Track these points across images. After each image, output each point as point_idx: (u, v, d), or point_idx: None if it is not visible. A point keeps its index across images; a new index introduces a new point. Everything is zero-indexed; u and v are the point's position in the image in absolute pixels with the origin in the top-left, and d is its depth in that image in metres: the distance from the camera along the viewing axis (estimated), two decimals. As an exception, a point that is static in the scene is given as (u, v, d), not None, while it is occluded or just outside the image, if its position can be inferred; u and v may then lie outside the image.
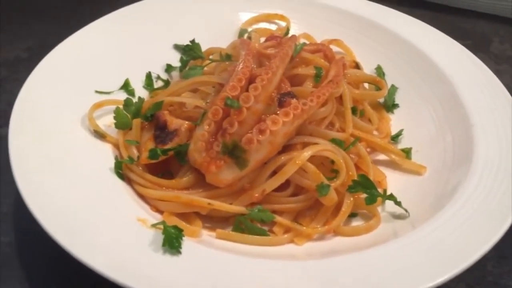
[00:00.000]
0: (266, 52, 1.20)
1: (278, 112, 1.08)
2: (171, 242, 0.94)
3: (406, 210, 1.09)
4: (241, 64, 1.13)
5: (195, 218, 1.08)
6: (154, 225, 0.99)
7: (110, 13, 1.48)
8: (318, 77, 1.21)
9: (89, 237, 0.94)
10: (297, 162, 1.06)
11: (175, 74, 1.45)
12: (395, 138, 1.30)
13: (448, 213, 1.02)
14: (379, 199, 1.10)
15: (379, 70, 1.44)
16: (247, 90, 1.09)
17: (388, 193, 1.13)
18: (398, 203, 1.09)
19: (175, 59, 1.46)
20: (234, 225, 1.07)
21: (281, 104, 1.09)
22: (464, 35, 1.78)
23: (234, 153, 1.04)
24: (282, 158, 1.08)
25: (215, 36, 1.50)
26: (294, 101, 1.09)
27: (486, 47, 1.77)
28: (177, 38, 1.49)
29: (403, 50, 1.47)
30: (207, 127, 1.07)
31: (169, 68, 1.44)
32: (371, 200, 1.08)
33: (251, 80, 1.12)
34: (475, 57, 1.37)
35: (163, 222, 0.99)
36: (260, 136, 1.04)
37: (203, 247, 0.98)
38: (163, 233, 0.95)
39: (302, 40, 1.49)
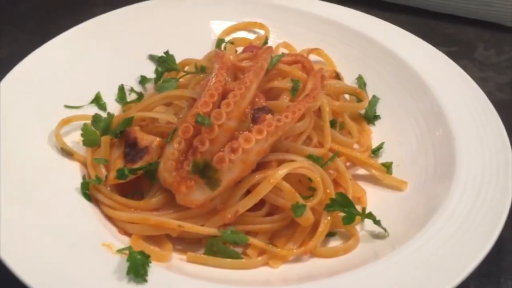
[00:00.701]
0: (240, 65, 1.15)
1: (252, 128, 1.03)
2: (137, 269, 0.89)
3: (385, 230, 1.05)
4: (213, 78, 1.08)
5: (165, 240, 1.03)
6: (119, 251, 0.94)
7: (82, 23, 1.43)
8: (295, 91, 1.16)
9: (49, 266, 0.89)
10: (271, 181, 1.01)
11: (150, 86, 1.40)
12: (376, 151, 1.25)
13: (430, 232, 0.98)
14: (358, 217, 1.05)
15: (360, 80, 1.40)
16: (219, 106, 1.04)
17: (368, 209, 1.08)
18: (377, 222, 1.05)
19: (149, 70, 1.41)
20: (206, 248, 1.02)
21: (255, 120, 1.05)
22: (448, 42, 1.74)
23: (205, 172, 1.00)
24: (256, 176, 1.03)
25: (191, 46, 1.45)
26: (268, 116, 1.04)
27: (471, 53, 1.74)
28: (152, 48, 1.44)
29: (385, 59, 1.43)
30: (177, 145, 1.02)
31: (143, 80, 1.39)
32: (349, 219, 1.03)
33: (224, 95, 1.07)
34: (458, 67, 1.34)
35: (129, 248, 0.94)
36: (232, 154, 0.99)
37: (171, 274, 0.93)
38: (128, 260, 0.90)
39: (281, 50, 1.45)
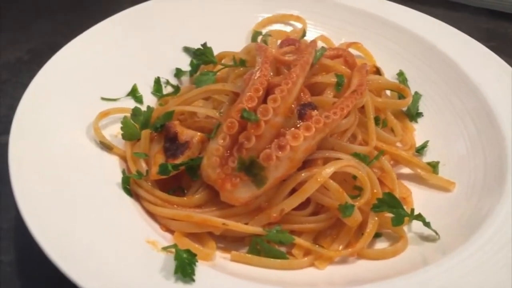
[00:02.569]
0: (284, 59, 1.12)
1: (298, 125, 1.00)
2: (184, 269, 0.87)
3: (436, 232, 1.01)
4: (258, 72, 1.05)
5: (208, 238, 1.01)
6: (165, 249, 0.92)
7: (117, 14, 1.41)
8: (339, 86, 1.12)
9: (94, 263, 0.87)
10: (318, 179, 0.98)
11: (185, 78, 1.38)
12: (420, 150, 1.22)
13: (482, 239, 0.94)
14: (406, 219, 1.02)
15: (402, 76, 1.36)
16: (264, 101, 1.01)
17: (415, 210, 1.05)
18: (427, 224, 1.02)
19: (184, 62, 1.39)
20: (250, 247, 1.00)
21: (301, 117, 1.02)
22: (486, 36, 1.69)
23: (251, 170, 0.97)
24: (303, 175, 1.00)
25: (225, 38, 1.42)
26: (315, 113, 1.01)
27: (510, 49, 1.68)
28: (186, 40, 1.41)
29: (426, 54, 1.39)
30: (222, 141, 0.99)
31: (178, 73, 1.36)
32: (398, 221, 1.00)
33: (268, 90, 1.04)
34: (506, 65, 1.29)
35: (174, 246, 0.91)
36: (280, 152, 0.96)
37: (217, 274, 0.91)
38: (175, 259, 0.88)
39: (319, 44, 1.41)
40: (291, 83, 1.01)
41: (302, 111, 1.02)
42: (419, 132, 1.28)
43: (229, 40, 1.41)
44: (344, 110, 1.02)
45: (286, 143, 0.96)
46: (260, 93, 1.02)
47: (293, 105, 1.03)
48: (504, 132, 1.13)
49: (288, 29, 1.50)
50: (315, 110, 1.03)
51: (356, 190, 1.05)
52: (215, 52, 1.35)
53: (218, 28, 1.45)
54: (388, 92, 1.32)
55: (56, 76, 1.21)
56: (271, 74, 1.09)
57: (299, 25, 1.51)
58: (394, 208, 1.01)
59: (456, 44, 1.37)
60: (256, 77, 1.04)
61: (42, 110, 1.12)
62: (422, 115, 1.30)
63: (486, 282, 0.88)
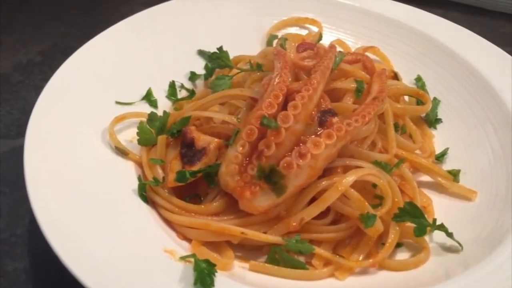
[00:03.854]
0: (303, 64, 1.10)
1: (318, 132, 0.98)
2: (204, 279, 0.85)
3: (459, 243, 0.99)
4: (277, 78, 1.03)
5: (226, 247, 0.99)
6: (183, 258, 0.90)
7: (130, 17, 1.39)
8: (359, 92, 1.10)
9: (111, 272, 0.85)
10: (339, 188, 0.96)
11: (199, 82, 1.36)
12: (440, 157, 1.19)
13: (505, 254, 0.92)
14: (428, 229, 1.00)
15: (420, 81, 1.34)
16: (283, 108, 0.99)
17: (437, 220, 1.02)
18: (449, 235, 0.99)
19: (199, 66, 1.37)
20: (268, 256, 0.98)
21: (321, 124, 1.00)
22: (505, 41, 1.66)
23: (271, 178, 0.95)
24: (323, 183, 0.98)
25: (240, 41, 1.40)
26: (336, 120, 0.99)
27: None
28: (200, 43, 1.39)
29: (444, 59, 1.37)
30: (241, 148, 0.97)
31: (193, 76, 1.34)
32: (421, 231, 0.98)
33: (287, 96, 1.02)
34: (527, 70, 1.26)
35: (193, 255, 0.90)
36: (301, 160, 0.94)
37: (236, 284, 0.89)
38: (195, 270, 0.86)
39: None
40: (312, 89, 0.99)
41: (323, 118, 1.00)
42: (438, 139, 1.25)
43: (243, 44, 1.40)
44: (366, 118, 1.00)
45: (307, 151, 0.94)
46: (280, 99, 1.00)
47: (313, 112, 1.01)
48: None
49: (304, 32, 1.48)
50: (336, 117, 1.01)
51: (376, 199, 1.02)
52: (230, 56, 1.33)
53: (232, 31, 1.43)
54: (406, 98, 1.30)
55: (70, 79, 1.19)
56: (290, 79, 1.07)
57: (314, 29, 1.49)
58: (416, 218, 0.99)
59: (475, 48, 1.34)
60: (275, 83, 1.02)
61: (56, 114, 1.10)
62: (441, 122, 1.28)
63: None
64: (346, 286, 0.95)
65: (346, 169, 1.01)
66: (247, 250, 1.01)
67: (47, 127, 1.07)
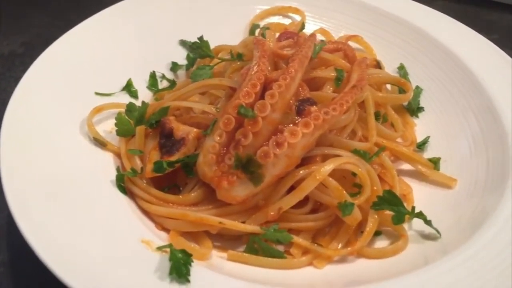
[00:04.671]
0: (282, 53, 1.09)
1: (296, 121, 0.97)
2: (179, 269, 0.84)
3: (437, 231, 0.99)
4: (255, 67, 1.02)
5: (204, 237, 0.99)
6: (159, 248, 0.90)
7: (111, 6, 1.37)
8: (339, 81, 1.10)
9: (87, 263, 0.85)
10: (317, 177, 0.96)
11: (181, 72, 1.35)
12: (421, 146, 1.19)
13: (485, 238, 0.92)
14: (407, 217, 1.00)
15: (402, 70, 1.33)
16: (261, 97, 0.98)
17: (415, 208, 1.02)
18: (428, 222, 0.99)
19: (180, 56, 1.36)
20: (247, 246, 0.98)
21: (299, 112, 0.99)
22: (489, 29, 1.66)
23: (248, 167, 0.94)
24: (301, 172, 0.98)
25: (223, 31, 1.39)
26: (314, 109, 0.99)
27: (513, 41, 1.66)
28: (182, 33, 1.38)
29: (427, 47, 1.36)
30: (218, 138, 0.97)
31: (174, 67, 1.33)
32: (399, 219, 0.98)
33: (266, 85, 1.01)
34: (508, 56, 1.26)
35: (169, 245, 0.89)
36: (277, 149, 0.93)
37: (213, 274, 0.89)
38: (170, 259, 0.86)
39: (318, 37, 1.38)
40: (289, 78, 0.99)
41: (301, 107, 1.00)
42: (420, 127, 1.25)
43: (227, 33, 1.39)
44: (344, 106, 1.00)
45: (284, 140, 0.94)
46: (258, 88, 0.99)
47: (291, 101, 1.00)
48: (507, 127, 1.10)
49: (287, 21, 1.47)
50: (314, 106, 1.00)
51: (356, 188, 1.02)
52: (212, 46, 1.32)
53: (215, 21, 1.42)
54: (388, 86, 1.29)
55: (48, 70, 1.18)
56: (269, 68, 1.06)
57: (298, 18, 1.48)
58: (394, 206, 0.99)
59: (458, 36, 1.34)
60: (253, 72, 1.02)
61: (34, 105, 1.09)
62: (423, 110, 1.27)
63: (487, 284, 0.86)
64: (324, 274, 0.95)
65: (325, 158, 1.00)
66: (226, 240, 1.01)
67: (24, 118, 1.06)
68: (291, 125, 0.96)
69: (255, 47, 1.09)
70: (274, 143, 0.94)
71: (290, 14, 1.49)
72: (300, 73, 1.02)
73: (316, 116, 0.96)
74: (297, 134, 0.94)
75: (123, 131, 1.09)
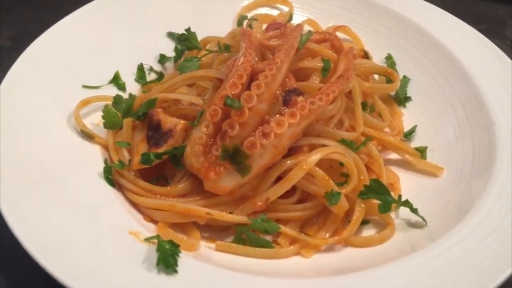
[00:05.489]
0: (269, 44, 1.09)
1: (283, 111, 0.98)
2: (166, 260, 0.85)
3: (423, 219, 1.00)
4: (241, 58, 1.02)
5: (192, 228, 0.99)
6: (147, 239, 0.90)
7: (97, -1, 1.37)
8: (325, 71, 1.10)
9: (74, 255, 0.85)
10: (304, 167, 0.96)
11: (169, 65, 1.35)
12: (408, 135, 1.20)
13: (471, 225, 0.93)
14: (393, 205, 1.00)
15: (390, 60, 1.34)
16: (248, 87, 0.98)
17: (402, 197, 1.03)
18: (414, 211, 1.00)
19: (168, 48, 1.35)
20: (235, 236, 0.98)
21: (286, 103, 0.99)
22: (477, 19, 1.67)
23: (235, 158, 0.95)
24: (288, 162, 0.98)
25: (211, 23, 1.39)
26: (300, 99, 0.99)
27: (501, 31, 1.66)
28: (171, 25, 1.37)
29: (415, 37, 1.36)
30: (205, 129, 0.97)
31: (162, 59, 1.33)
32: (385, 208, 0.99)
33: (252, 76, 1.01)
34: (496, 47, 1.26)
35: (157, 236, 0.90)
36: (264, 139, 0.94)
37: (201, 264, 0.89)
38: (158, 250, 0.86)
39: (306, 27, 1.38)
40: (275, 68, 0.99)
41: (287, 97, 1.00)
42: (407, 117, 1.26)
43: (215, 25, 1.38)
44: (330, 96, 1.00)
45: (270, 131, 0.94)
46: (244, 79, 0.99)
47: (278, 91, 1.00)
48: (492, 116, 1.11)
49: (275, 12, 1.47)
50: (301, 96, 1.01)
51: (343, 177, 1.03)
52: (200, 37, 1.32)
53: (204, 12, 1.42)
54: (376, 76, 1.30)
55: (35, 63, 1.17)
56: (256, 59, 1.06)
57: (286, 9, 1.47)
58: (381, 194, 1.00)
59: (446, 26, 1.34)
60: (239, 63, 1.02)
61: (21, 98, 1.09)
62: (411, 100, 1.28)
63: (474, 269, 0.87)
64: (312, 263, 0.96)
65: (312, 148, 1.01)
66: (214, 231, 1.01)
67: (11, 111, 1.06)
68: (278, 115, 0.97)
69: (242, 38, 1.09)
70: (261, 133, 0.94)
71: (278, 5, 1.48)
72: (286, 63, 1.02)
73: (302, 107, 0.97)
74: (283, 124, 0.95)
75: (111, 123, 1.09)
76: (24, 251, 0.84)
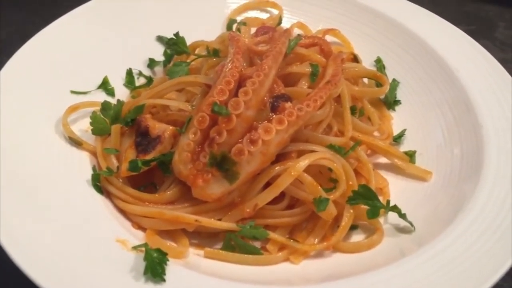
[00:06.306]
0: (257, 49, 1.09)
1: (271, 118, 0.98)
2: (154, 269, 0.85)
3: (411, 224, 1.00)
4: (229, 64, 1.02)
5: (181, 235, 0.99)
6: (135, 248, 0.90)
7: (87, 3, 1.36)
8: (314, 76, 1.10)
9: (60, 263, 0.84)
10: (292, 173, 0.96)
11: (159, 69, 1.34)
12: (397, 139, 1.20)
13: (459, 229, 0.93)
14: (382, 211, 1.01)
15: (379, 63, 1.34)
16: (236, 94, 0.98)
17: (391, 201, 1.03)
18: (402, 216, 1.01)
19: (158, 52, 1.35)
20: (224, 243, 0.98)
21: (274, 109, 0.99)
22: (467, 20, 1.68)
23: (223, 165, 0.94)
24: (276, 168, 0.98)
25: (200, 27, 1.38)
26: (288, 105, 0.99)
27: (491, 32, 1.67)
28: (160, 29, 1.37)
29: (404, 40, 1.36)
30: (193, 136, 0.97)
31: (152, 63, 1.33)
32: (374, 213, 0.99)
33: (240, 82, 1.01)
34: (484, 49, 1.27)
35: (145, 245, 0.89)
36: (252, 146, 0.94)
37: (190, 272, 0.89)
38: (145, 259, 0.86)
39: (295, 30, 1.38)
40: (263, 75, 0.99)
41: (275, 104, 1.00)
42: (397, 120, 1.26)
43: (204, 29, 1.38)
44: (318, 102, 1.00)
45: (258, 137, 0.94)
46: (232, 85, 0.99)
47: (266, 97, 1.00)
48: (480, 119, 1.11)
49: (265, 16, 1.47)
50: (289, 102, 1.01)
51: (332, 182, 1.03)
52: (190, 41, 1.32)
53: (193, 16, 1.41)
54: (365, 80, 1.30)
55: (23, 68, 1.17)
56: (244, 65, 1.06)
57: (275, 12, 1.47)
58: (369, 200, 1.00)
59: (435, 30, 1.34)
60: (227, 69, 1.02)
61: (8, 104, 1.08)
62: (400, 103, 1.28)
63: (464, 273, 0.87)
64: (301, 269, 0.96)
65: (300, 153, 1.01)
66: (203, 238, 1.01)
67: (-1, 117, 1.05)
68: (266, 122, 0.96)
69: (230, 44, 1.09)
70: (248, 140, 0.94)
71: (268, 8, 1.48)
72: (274, 69, 1.02)
73: (290, 113, 0.97)
74: (271, 131, 0.95)
75: (99, 130, 1.09)
76: (10, 259, 0.84)
